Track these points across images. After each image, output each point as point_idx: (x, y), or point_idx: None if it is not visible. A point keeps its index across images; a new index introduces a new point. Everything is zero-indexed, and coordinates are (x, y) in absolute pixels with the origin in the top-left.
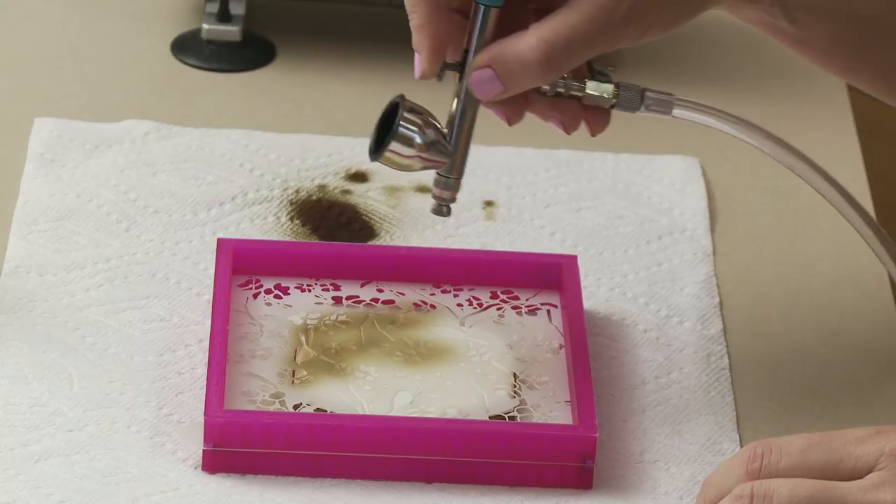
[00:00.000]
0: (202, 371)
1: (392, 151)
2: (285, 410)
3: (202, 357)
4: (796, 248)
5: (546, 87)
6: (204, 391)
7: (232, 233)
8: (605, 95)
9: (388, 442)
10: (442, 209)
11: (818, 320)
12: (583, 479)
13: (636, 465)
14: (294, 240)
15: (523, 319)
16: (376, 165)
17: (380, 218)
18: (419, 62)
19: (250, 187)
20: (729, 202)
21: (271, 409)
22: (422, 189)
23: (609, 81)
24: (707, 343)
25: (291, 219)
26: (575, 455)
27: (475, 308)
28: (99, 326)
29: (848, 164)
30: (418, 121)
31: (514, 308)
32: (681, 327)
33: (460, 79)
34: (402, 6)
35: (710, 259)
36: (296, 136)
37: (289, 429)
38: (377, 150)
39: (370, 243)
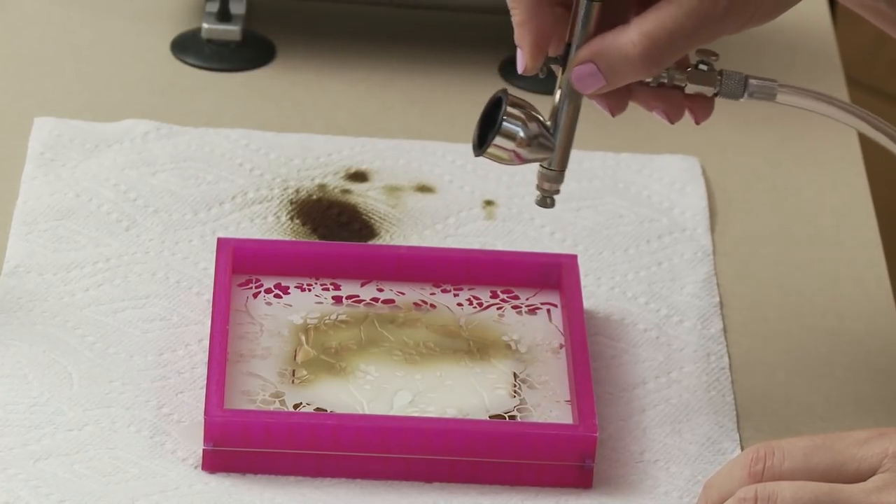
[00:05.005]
0: (202, 370)
1: (496, 146)
2: (285, 410)
3: (202, 356)
4: (796, 248)
5: (649, 78)
6: (204, 391)
7: (232, 232)
8: (708, 84)
9: (388, 442)
10: (546, 201)
11: (818, 320)
12: (583, 479)
13: (636, 464)
14: (294, 239)
15: (523, 319)
16: (376, 165)
17: (380, 217)
18: (521, 58)
19: (250, 187)
20: (729, 202)
21: (271, 408)
22: (422, 189)
23: (712, 70)
24: (707, 342)
25: (291, 218)
26: (575, 455)
27: (475, 307)
28: (99, 326)
29: (848, 163)
30: (521, 115)
31: (514, 307)
32: (681, 327)
33: (563, 72)
34: (403, 5)
35: (711, 258)
36: (296, 136)
37: (289, 428)
38: (481, 145)
39: (370, 243)
